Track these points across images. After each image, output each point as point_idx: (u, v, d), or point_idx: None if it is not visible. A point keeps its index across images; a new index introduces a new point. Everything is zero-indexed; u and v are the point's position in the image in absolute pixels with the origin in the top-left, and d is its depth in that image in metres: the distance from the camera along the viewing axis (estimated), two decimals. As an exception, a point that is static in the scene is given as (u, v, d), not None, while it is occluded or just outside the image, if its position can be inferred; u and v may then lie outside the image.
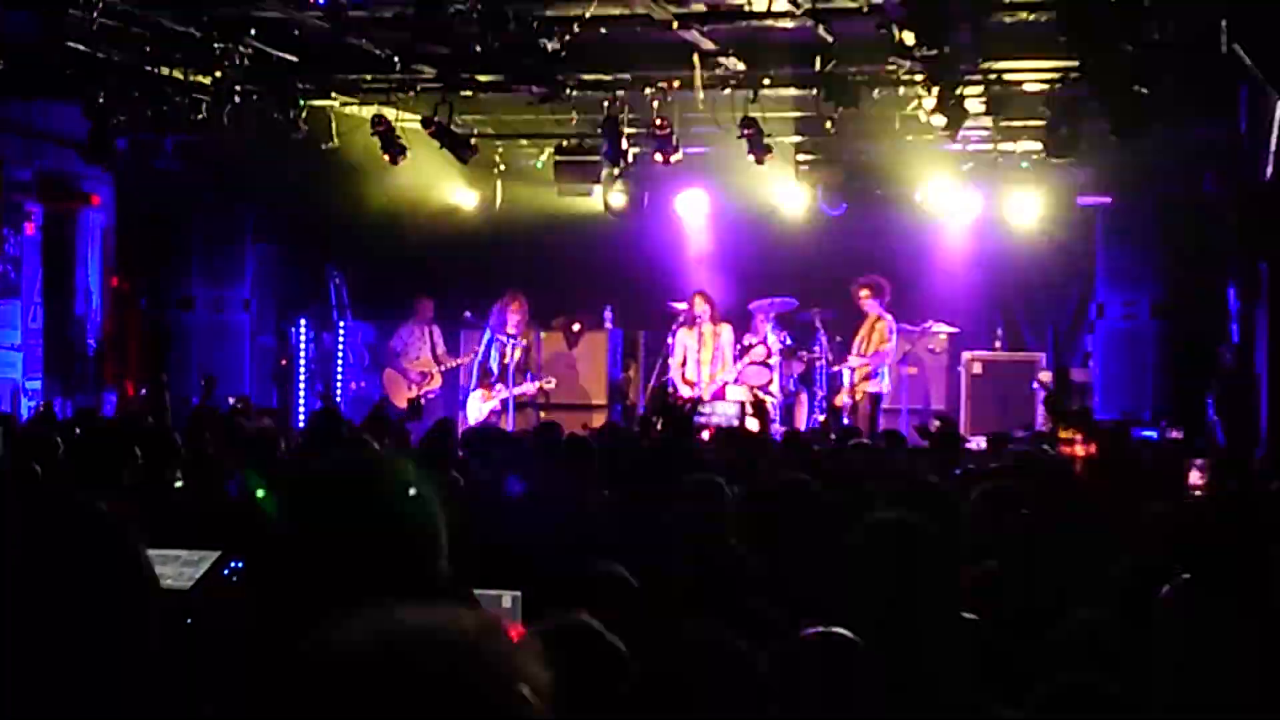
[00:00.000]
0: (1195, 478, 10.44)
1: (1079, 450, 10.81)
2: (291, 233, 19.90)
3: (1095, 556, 5.59)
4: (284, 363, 20.09)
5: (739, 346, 18.99)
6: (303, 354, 20.49)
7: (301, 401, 19.95)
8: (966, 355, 19.22)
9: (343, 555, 3.00)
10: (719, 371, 18.78)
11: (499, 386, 18.71)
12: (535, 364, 19.40)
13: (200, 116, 15.84)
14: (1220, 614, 4.20)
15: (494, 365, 19.03)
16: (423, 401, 19.01)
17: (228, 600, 5.06)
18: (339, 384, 20.52)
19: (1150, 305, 17.62)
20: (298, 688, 1.68)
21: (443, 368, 19.90)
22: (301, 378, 20.22)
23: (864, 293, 18.37)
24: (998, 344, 19.82)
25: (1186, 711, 3.97)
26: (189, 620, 4.71)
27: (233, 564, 5.26)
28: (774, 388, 18.95)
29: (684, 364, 18.88)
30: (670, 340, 19.02)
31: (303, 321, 20.64)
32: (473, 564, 4.28)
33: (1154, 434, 15.23)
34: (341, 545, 3.02)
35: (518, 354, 19.06)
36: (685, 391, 18.52)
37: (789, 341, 19.32)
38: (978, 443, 14.32)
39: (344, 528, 3.04)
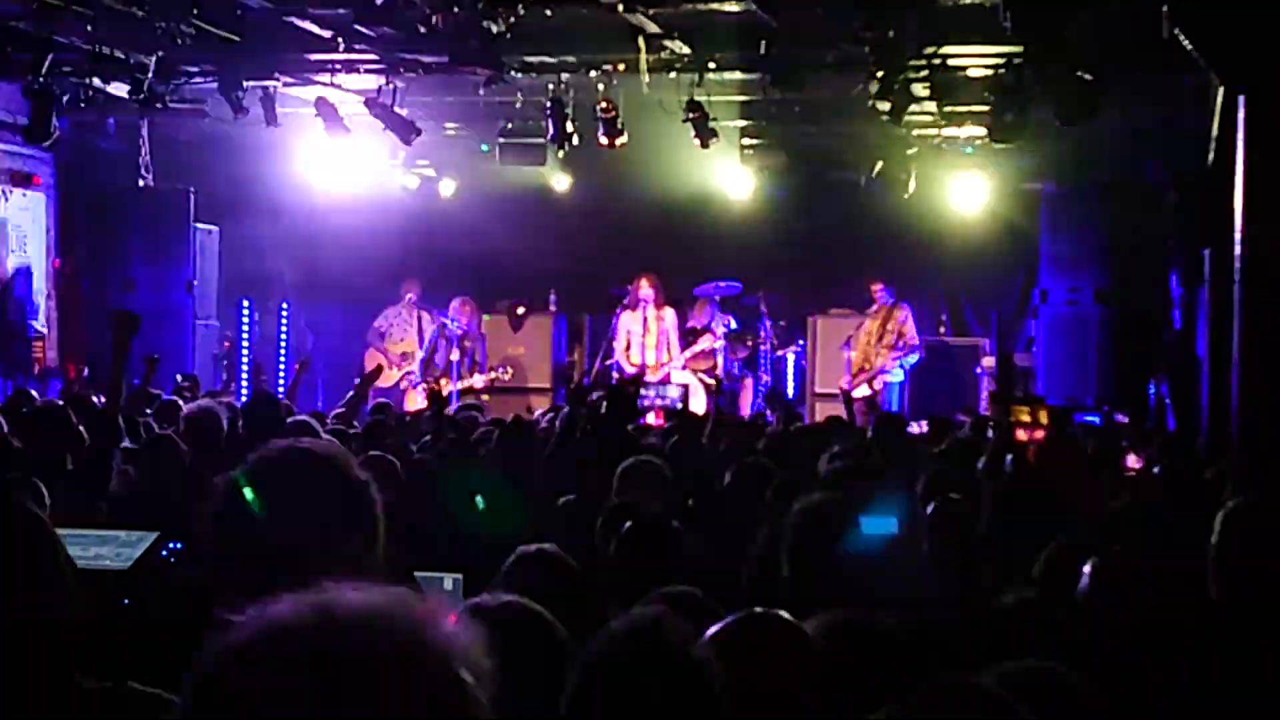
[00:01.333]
0: (1131, 460, 10.52)
1: (1022, 435, 10.84)
2: (234, 214, 19.77)
3: (1046, 540, 5.60)
4: (227, 344, 19.98)
5: (683, 331, 18.99)
6: (245, 336, 20.42)
7: (244, 382, 19.87)
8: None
9: (283, 536, 2.98)
10: (664, 356, 18.77)
11: (444, 381, 18.71)
12: (479, 362, 19.46)
13: (142, 96, 15.73)
14: (1144, 590, 4.22)
15: (438, 360, 19.11)
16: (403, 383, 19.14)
17: (166, 580, 5.03)
18: (282, 366, 20.47)
19: (1093, 291, 17.67)
20: (234, 668, 1.67)
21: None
22: (244, 359, 20.14)
23: (877, 286, 18.44)
24: (941, 329, 19.89)
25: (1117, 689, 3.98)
26: (125, 600, 4.69)
27: (171, 545, 5.23)
28: (718, 372, 18.97)
29: (628, 348, 18.85)
30: (614, 324, 19.01)
31: (245, 303, 20.55)
32: (411, 546, 4.27)
33: (1097, 419, 15.29)
34: (281, 527, 3.01)
35: (464, 349, 19.13)
36: (630, 371, 18.50)
37: (734, 326, 19.34)
38: (919, 426, 14.34)
39: (285, 511, 3.03)
